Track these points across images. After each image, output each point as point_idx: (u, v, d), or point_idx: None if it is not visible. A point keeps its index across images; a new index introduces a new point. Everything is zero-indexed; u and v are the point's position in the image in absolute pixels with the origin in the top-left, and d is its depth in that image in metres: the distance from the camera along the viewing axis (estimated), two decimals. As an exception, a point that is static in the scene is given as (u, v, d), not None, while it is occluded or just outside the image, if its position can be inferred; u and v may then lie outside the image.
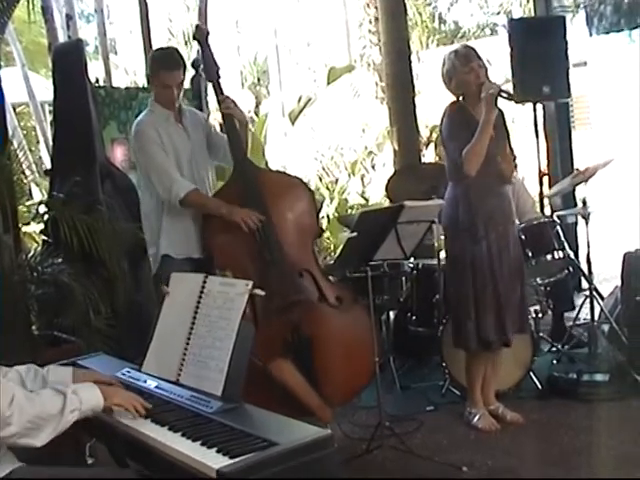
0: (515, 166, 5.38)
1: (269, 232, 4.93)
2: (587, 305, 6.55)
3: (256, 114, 16.47)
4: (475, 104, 5.16)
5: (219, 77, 5.21)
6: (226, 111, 5.15)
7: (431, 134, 13.39)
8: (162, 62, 5.15)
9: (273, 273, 4.83)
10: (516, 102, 6.52)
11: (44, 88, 11.63)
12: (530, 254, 5.97)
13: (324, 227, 10.44)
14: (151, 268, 5.24)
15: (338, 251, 5.46)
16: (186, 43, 17.74)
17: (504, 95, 4.99)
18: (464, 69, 5.11)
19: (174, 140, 5.13)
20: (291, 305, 4.79)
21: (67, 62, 6.40)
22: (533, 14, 10.08)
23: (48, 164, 7.83)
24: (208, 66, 5.23)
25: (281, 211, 5.07)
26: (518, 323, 5.29)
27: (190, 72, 5.33)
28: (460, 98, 5.27)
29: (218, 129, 5.55)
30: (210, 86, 5.49)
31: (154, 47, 7.75)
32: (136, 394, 3.10)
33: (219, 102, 5.18)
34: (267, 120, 11.79)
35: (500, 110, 5.16)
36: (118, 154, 6.94)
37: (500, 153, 5.21)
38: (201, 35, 5.26)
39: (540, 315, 6.37)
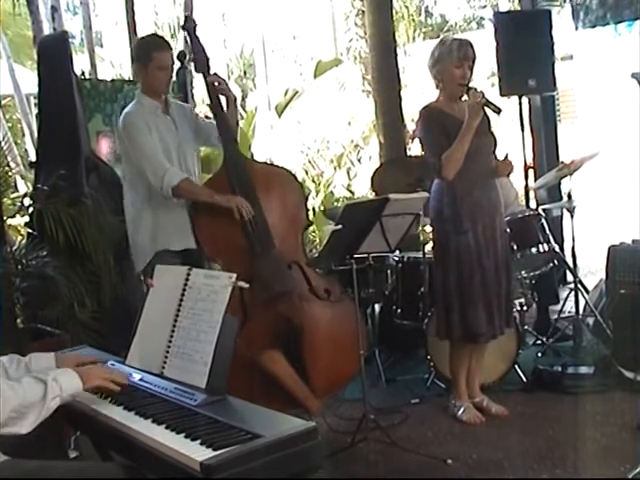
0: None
1: (259, 224, 4.96)
2: (572, 298, 6.58)
3: (242, 107, 16.45)
4: (451, 99, 5.23)
5: (209, 68, 5.23)
6: (218, 87, 5.19)
7: (416, 127, 13.38)
8: (154, 44, 5.20)
9: (262, 265, 4.85)
10: (502, 95, 6.55)
11: (29, 81, 11.58)
12: (515, 247, 5.97)
13: (310, 220, 10.43)
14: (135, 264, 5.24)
15: (323, 244, 5.46)
16: (172, 36, 17.69)
17: (491, 107, 5.01)
18: (457, 62, 5.12)
19: (162, 132, 5.14)
20: (279, 297, 4.81)
21: (52, 54, 6.37)
22: (519, 8, 10.08)
23: (33, 157, 7.79)
24: (198, 57, 5.24)
25: (271, 203, 5.11)
26: (505, 316, 5.32)
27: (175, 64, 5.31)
28: (439, 88, 5.29)
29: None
30: (195, 79, 5.49)
31: (139, 39, 7.76)
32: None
33: (208, 86, 5.20)
34: (256, 114, 11.79)
35: (485, 113, 5.18)
36: (103, 147, 6.92)
37: (486, 148, 5.25)
38: (190, 26, 5.28)
39: (525, 308, 6.39)
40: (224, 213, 4.91)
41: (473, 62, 5.17)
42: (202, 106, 7.93)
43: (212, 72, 5.23)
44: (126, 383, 3.06)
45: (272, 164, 6.70)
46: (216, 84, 5.20)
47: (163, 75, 5.14)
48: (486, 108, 5.06)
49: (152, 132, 5.07)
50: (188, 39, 5.32)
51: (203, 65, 5.22)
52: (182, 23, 5.37)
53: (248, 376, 4.19)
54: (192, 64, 5.29)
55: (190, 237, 5.09)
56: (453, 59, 5.12)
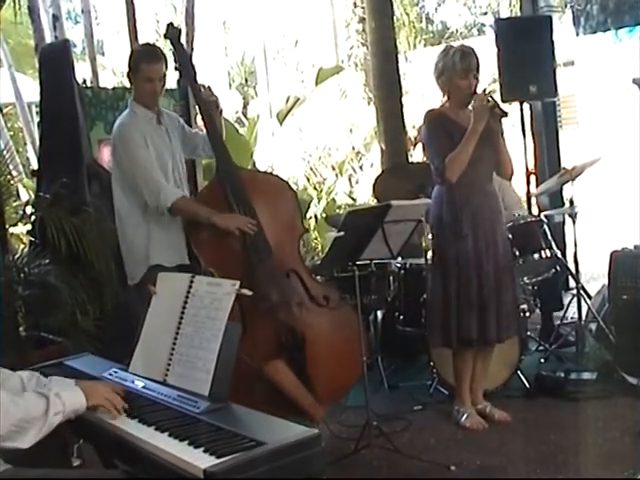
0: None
1: (256, 233, 4.91)
2: (574, 304, 6.57)
3: (244, 115, 16.46)
4: (457, 107, 5.20)
5: (195, 77, 5.16)
6: (210, 99, 5.12)
7: (418, 134, 13.36)
8: (143, 55, 5.08)
9: (260, 274, 4.82)
10: (503, 101, 6.54)
11: (31, 89, 11.60)
12: (518, 253, 5.98)
13: (312, 227, 10.44)
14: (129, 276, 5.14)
15: (325, 251, 5.46)
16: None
17: (498, 112, 4.98)
18: (461, 73, 5.09)
19: (157, 143, 5.05)
20: (278, 306, 4.79)
21: (54, 63, 6.39)
22: (520, 14, 10.09)
23: (35, 165, 7.80)
24: (183, 67, 5.19)
25: (266, 212, 5.05)
26: (512, 324, 5.32)
27: (175, 74, 5.30)
28: (445, 96, 5.28)
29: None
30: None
31: (140, 48, 7.76)
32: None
33: (196, 96, 5.14)
34: (258, 122, 11.81)
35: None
36: (105, 155, 6.91)
37: (487, 157, 5.23)
38: (173, 34, 5.18)
39: (528, 314, 6.38)
40: (227, 231, 4.87)
41: (478, 70, 5.14)
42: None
43: (199, 82, 5.16)
44: (125, 406, 3.03)
45: (265, 172, 6.68)
46: (203, 94, 5.15)
47: (150, 87, 5.01)
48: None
49: (148, 144, 4.97)
50: (172, 48, 5.20)
51: (189, 74, 5.18)
52: (164, 31, 5.27)
53: (250, 384, 4.19)
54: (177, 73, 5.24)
55: (183, 253, 5.06)
56: (457, 71, 5.09)
